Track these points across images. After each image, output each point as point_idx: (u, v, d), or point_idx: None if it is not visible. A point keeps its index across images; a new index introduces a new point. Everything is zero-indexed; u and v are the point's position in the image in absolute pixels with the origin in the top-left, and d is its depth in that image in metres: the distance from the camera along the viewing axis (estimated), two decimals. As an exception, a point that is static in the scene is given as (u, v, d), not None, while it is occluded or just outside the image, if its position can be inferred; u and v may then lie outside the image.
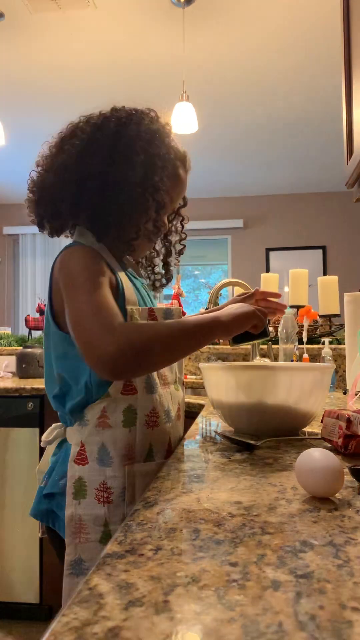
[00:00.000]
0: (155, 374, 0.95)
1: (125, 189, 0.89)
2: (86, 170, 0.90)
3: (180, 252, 1.08)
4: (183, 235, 1.09)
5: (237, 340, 0.96)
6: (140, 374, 0.89)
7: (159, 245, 1.09)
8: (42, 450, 2.08)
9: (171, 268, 1.09)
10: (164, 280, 1.10)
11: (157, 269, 1.09)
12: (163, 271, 1.10)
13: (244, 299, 1.11)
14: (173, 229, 1.08)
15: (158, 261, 1.09)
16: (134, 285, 0.97)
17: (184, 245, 1.09)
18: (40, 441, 2.06)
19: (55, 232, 0.98)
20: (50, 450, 1.03)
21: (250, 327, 0.90)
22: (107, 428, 0.90)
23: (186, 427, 1.08)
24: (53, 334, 0.92)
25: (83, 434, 0.91)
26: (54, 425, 1.02)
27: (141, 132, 0.92)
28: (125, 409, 0.91)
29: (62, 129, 0.97)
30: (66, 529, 0.89)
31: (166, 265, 1.09)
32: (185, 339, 0.84)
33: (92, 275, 0.85)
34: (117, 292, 0.90)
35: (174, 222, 1.08)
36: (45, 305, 3.40)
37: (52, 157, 0.94)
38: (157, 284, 1.11)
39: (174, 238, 1.08)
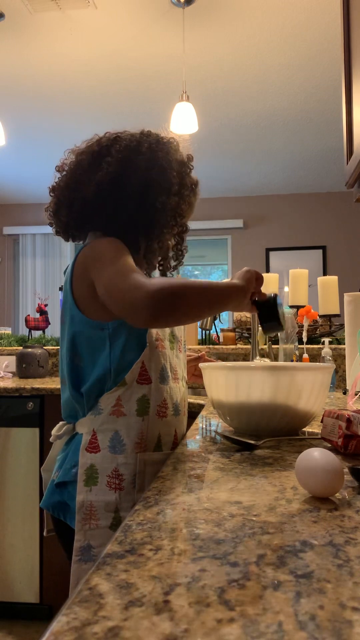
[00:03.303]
0: (168, 367, 0.98)
1: (163, 212, 1.01)
2: (125, 191, 0.97)
3: (174, 268, 1.15)
4: (181, 257, 1.16)
5: (265, 318, 1.00)
6: (177, 318, 0.84)
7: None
8: (42, 450, 2.09)
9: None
10: None
11: None
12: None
13: (195, 359, 1.30)
14: (172, 250, 1.13)
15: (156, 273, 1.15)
16: None
17: (179, 261, 1.16)
18: (40, 441, 2.08)
19: (73, 238, 1.06)
20: (56, 448, 1.04)
21: (257, 286, 0.97)
22: (121, 416, 0.94)
23: (187, 426, 1.09)
24: (77, 322, 0.95)
25: (96, 423, 0.94)
26: (61, 422, 1.03)
27: (172, 161, 1.02)
28: (140, 399, 0.94)
29: (89, 141, 1.03)
30: (76, 515, 0.91)
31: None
32: (212, 292, 0.87)
33: (120, 252, 0.91)
34: None
35: (177, 245, 1.13)
36: (46, 305, 3.37)
37: (84, 172, 0.99)
38: None
39: (173, 258, 1.14)
